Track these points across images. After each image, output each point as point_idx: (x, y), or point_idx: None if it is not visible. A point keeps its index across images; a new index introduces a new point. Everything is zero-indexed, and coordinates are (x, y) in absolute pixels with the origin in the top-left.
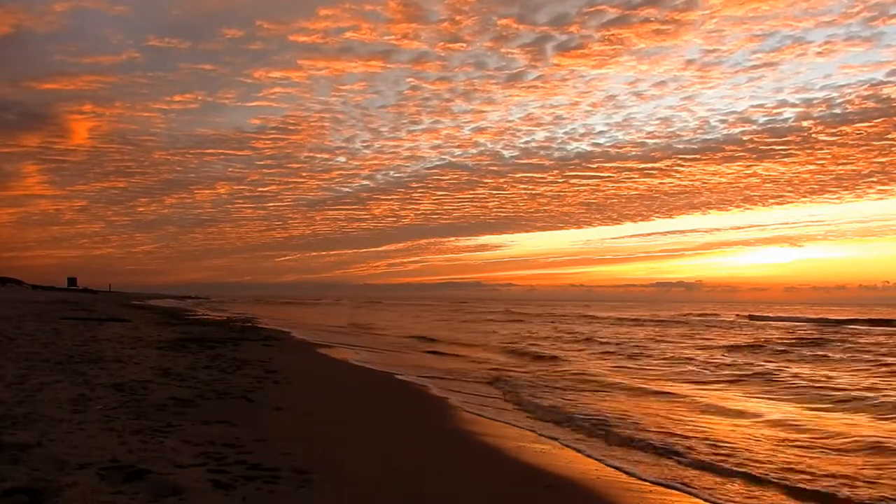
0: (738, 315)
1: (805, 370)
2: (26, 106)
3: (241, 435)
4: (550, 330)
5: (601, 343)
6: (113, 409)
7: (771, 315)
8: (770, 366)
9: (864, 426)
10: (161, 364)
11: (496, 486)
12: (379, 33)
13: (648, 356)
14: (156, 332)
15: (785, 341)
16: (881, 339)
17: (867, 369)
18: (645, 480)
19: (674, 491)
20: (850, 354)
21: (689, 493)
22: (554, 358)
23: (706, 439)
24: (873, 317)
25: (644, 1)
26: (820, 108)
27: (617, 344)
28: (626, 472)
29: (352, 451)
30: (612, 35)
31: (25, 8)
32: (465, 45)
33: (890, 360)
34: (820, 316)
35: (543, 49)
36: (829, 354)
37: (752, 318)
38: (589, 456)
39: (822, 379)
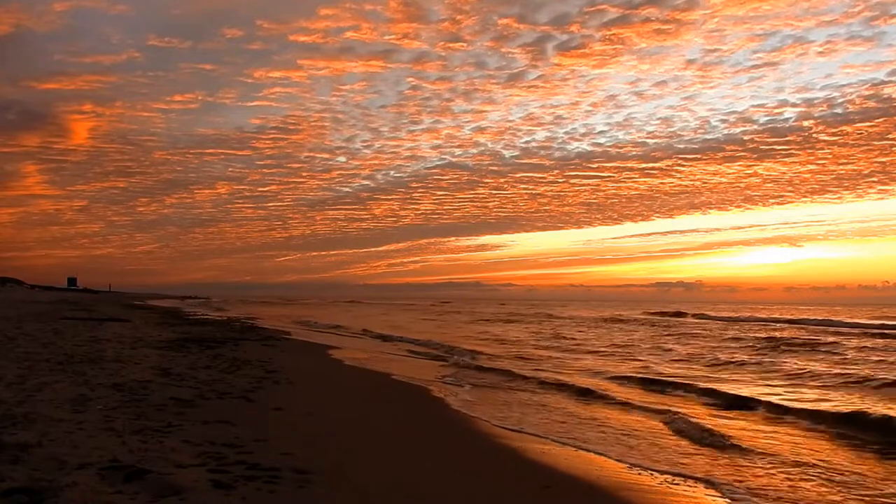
0: (693, 315)
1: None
2: (26, 106)
3: (241, 435)
4: (503, 328)
5: (534, 341)
6: (113, 409)
7: (714, 315)
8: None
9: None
10: (161, 364)
11: (497, 485)
12: (379, 33)
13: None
14: (156, 333)
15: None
16: (812, 336)
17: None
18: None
19: (676, 488)
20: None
21: (689, 489)
22: (476, 353)
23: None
24: (844, 318)
25: (645, 0)
26: (821, 108)
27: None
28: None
29: (352, 451)
30: (613, 35)
31: (25, 8)
32: (465, 44)
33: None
34: (785, 316)
35: (544, 49)
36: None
37: (697, 316)
38: (591, 453)
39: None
